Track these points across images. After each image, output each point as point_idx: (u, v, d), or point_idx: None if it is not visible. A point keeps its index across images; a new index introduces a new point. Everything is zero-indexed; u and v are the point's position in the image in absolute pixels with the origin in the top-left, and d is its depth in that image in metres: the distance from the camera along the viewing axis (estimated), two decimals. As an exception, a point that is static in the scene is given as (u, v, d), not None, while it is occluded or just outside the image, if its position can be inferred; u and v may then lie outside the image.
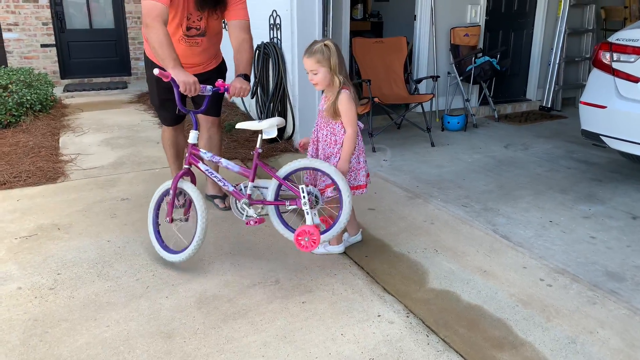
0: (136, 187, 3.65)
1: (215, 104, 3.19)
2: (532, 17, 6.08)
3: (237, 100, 5.84)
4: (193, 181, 2.57)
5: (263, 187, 2.47)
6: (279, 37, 4.59)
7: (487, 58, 5.31)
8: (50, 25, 7.62)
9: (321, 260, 2.62)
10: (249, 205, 2.43)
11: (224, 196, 3.34)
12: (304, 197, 2.29)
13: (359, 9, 7.36)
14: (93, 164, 4.20)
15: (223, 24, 3.08)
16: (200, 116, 3.19)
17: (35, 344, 1.99)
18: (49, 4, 7.52)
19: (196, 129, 2.56)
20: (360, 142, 2.53)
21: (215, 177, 2.55)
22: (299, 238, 2.29)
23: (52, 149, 4.53)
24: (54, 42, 7.70)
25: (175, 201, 2.64)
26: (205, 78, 3.03)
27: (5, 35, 7.34)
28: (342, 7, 4.85)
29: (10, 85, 5.32)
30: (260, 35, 4.89)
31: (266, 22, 4.74)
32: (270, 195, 2.41)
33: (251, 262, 2.61)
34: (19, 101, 5.23)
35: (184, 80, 2.48)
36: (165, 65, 2.54)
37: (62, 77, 7.86)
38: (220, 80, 2.70)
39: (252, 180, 2.43)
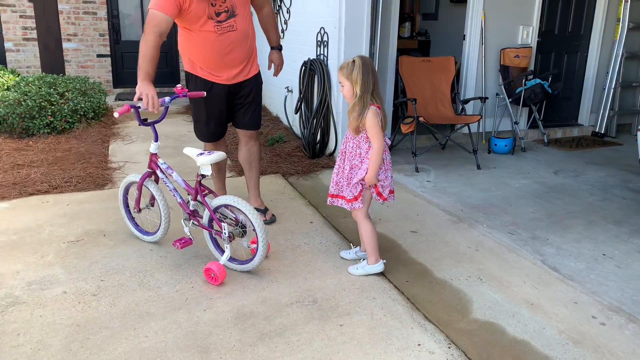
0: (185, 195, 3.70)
1: (253, 116, 3.23)
2: (587, 40, 5.88)
3: (281, 115, 5.89)
4: (156, 180, 2.94)
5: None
6: (325, 54, 4.60)
7: (538, 80, 5.16)
8: (107, 37, 7.93)
9: (360, 282, 2.57)
10: (188, 219, 2.75)
11: (264, 210, 3.36)
12: (224, 233, 2.57)
13: (406, 27, 7.33)
14: (139, 171, 4.29)
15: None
16: (239, 130, 3.30)
17: (77, 350, 2.02)
18: (106, 16, 7.85)
19: (156, 141, 2.86)
20: (387, 156, 2.56)
21: (168, 185, 2.84)
22: (207, 271, 2.56)
23: (102, 156, 4.67)
24: (109, 53, 8.01)
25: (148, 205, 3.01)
26: (246, 88, 3.16)
27: (65, 44, 7.68)
28: (389, 25, 4.83)
29: (66, 93, 5.54)
30: (307, 52, 4.93)
31: (313, 39, 4.77)
32: (204, 219, 2.70)
33: (289, 279, 2.59)
34: (73, 108, 5.44)
35: (147, 92, 2.67)
36: (138, 75, 2.73)
37: (115, 86, 8.15)
38: (179, 86, 2.87)
39: (194, 199, 2.72)
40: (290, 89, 5.50)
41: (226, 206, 2.66)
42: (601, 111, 5.72)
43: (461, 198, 3.78)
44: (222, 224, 2.59)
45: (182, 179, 2.84)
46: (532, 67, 5.52)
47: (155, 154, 2.90)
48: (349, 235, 3.08)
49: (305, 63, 4.85)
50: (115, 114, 2.61)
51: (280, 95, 5.79)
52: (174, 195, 2.83)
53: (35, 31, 7.44)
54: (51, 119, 5.21)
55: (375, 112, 2.41)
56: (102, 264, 2.71)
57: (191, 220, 2.79)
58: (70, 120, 5.37)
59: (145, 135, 5.52)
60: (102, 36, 7.90)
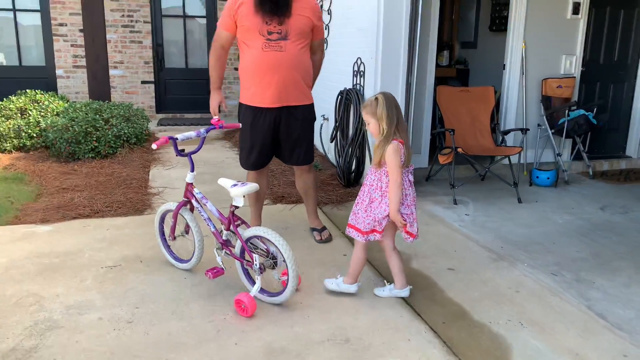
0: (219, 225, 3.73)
1: (302, 153, 3.33)
2: (635, 69, 5.70)
3: (317, 142, 5.91)
4: (191, 209, 2.99)
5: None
6: (362, 84, 4.61)
7: (582, 111, 5.02)
8: (151, 64, 8.22)
9: (394, 321, 2.50)
10: (220, 249, 2.78)
11: (321, 229, 3.50)
12: (255, 265, 2.56)
13: (444, 56, 7.29)
14: (177, 197, 4.36)
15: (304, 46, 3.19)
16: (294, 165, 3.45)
17: (109, 381, 2.03)
18: (151, 45, 8.15)
19: (192, 171, 2.91)
20: (411, 191, 2.61)
21: (202, 214, 2.89)
22: (238, 302, 2.56)
23: (142, 181, 4.78)
24: (153, 80, 8.29)
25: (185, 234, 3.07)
26: (292, 118, 3.23)
27: (111, 72, 7.99)
28: (427, 54, 4.82)
29: (111, 119, 5.74)
30: (344, 81, 4.96)
31: (350, 68, 4.79)
32: (236, 249, 2.71)
33: (321, 315, 2.54)
34: (117, 134, 5.62)
35: (211, 101, 3.32)
36: (211, 85, 3.33)
37: (157, 111, 8.40)
38: (215, 118, 2.99)
39: (227, 229, 2.75)
40: (326, 117, 5.52)
41: (258, 237, 2.66)
42: (650, 144, 5.49)
43: (501, 234, 3.66)
44: (254, 255, 2.59)
45: (216, 208, 2.86)
46: (575, 98, 5.37)
47: (191, 183, 2.94)
48: (384, 271, 3.02)
49: (341, 92, 4.87)
50: (153, 146, 2.68)
51: (316, 123, 5.82)
52: (207, 224, 2.86)
53: (84, 59, 7.77)
54: (96, 144, 5.39)
55: (397, 147, 2.46)
56: (138, 291, 2.74)
57: (224, 250, 2.80)
58: (113, 145, 5.55)
59: (184, 161, 5.63)
60: (147, 64, 8.19)
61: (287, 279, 2.55)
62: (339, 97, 4.92)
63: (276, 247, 2.54)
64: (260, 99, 3.14)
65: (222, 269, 2.76)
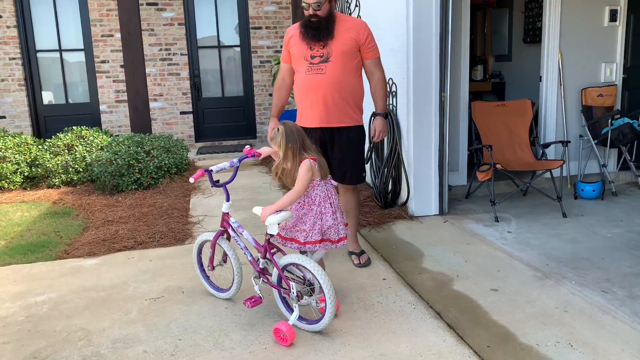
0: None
1: (349, 172, 3.37)
2: (680, 73, 5.46)
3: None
4: (228, 238, 3.03)
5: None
6: (394, 104, 4.61)
7: (627, 120, 4.83)
8: (189, 95, 8.47)
9: (437, 347, 2.44)
10: (258, 277, 2.81)
11: (359, 253, 3.49)
12: (292, 292, 2.59)
13: (479, 70, 7.20)
14: (217, 226, 4.43)
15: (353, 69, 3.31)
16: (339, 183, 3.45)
17: (154, 414, 2.06)
18: (189, 76, 8.41)
19: (228, 201, 2.96)
20: (334, 201, 2.76)
21: (239, 243, 2.91)
22: (276, 331, 2.56)
23: (183, 210, 4.90)
24: (191, 110, 8.53)
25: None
26: (337, 139, 3.32)
27: (151, 104, 8.29)
28: (460, 70, 4.78)
29: (152, 151, 5.93)
30: (378, 102, 4.95)
31: (384, 89, 4.79)
32: (274, 277, 2.73)
33: (362, 342, 2.51)
34: (158, 165, 5.79)
35: (269, 129, 3.40)
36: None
37: (196, 140, 8.62)
38: (247, 147, 2.99)
39: (264, 257, 2.78)
40: (361, 138, 5.52)
41: (294, 264, 2.68)
42: (703, 149, 5.22)
43: (546, 250, 3.54)
44: (290, 282, 2.60)
45: (252, 237, 2.89)
46: (618, 106, 5.19)
47: (227, 213, 2.99)
48: (425, 295, 2.97)
49: (374, 113, 4.86)
50: (191, 180, 2.78)
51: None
52: (244, 253, 2.89)
53: (125, 94, 8.10)
54: (138, 176, 5.57)
55: (309, 164, 2.64)
56: (180, 322, 2.79)
57: (261, 278, 2.83)
58: (155, 176, 5.72)
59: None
60: (185, 95, 8.45)
61: (325, 306, 2.54)
62: (372, 117, 4.92)
63: (312, 274, 2.55)
64: (305, 119, 3.31)
65: (260, 297, 2.78)
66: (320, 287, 2.53)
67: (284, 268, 2.70)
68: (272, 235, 2.74)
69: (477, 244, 3.74)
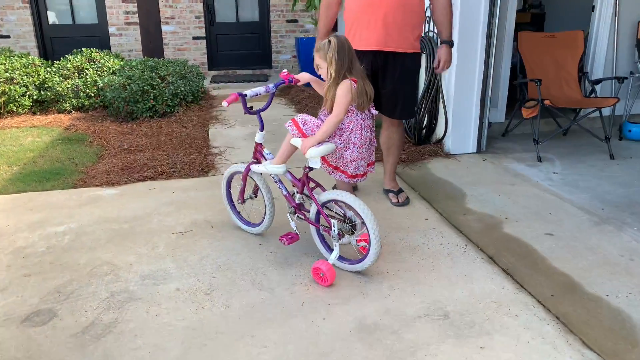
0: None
1: (399, 105, 3.06)
2: None
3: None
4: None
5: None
6: (435, 30, 4.20)
7: (684, 56, 4.44)
8: (202, 19, 7.97)
9: (496, 295, 2.24)
10: (294, 213, 2.58)
11: (397, 191, 3.27)
12: (333, 230, 2.38)
13: (516, -1, 6.67)
14: (240, 157, 4.19)
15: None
16: (383, 116, 3.17)
17: (195, 357, 1.90)
18: (202, -2, 7.87)
19: (262, 130, 2.67)
20: (365, 130, 2.49)
21: (273, 177, 2.70)
22: (315, 271, 2.38)
23: (203, 141, 4.63)
24: (204, 35, 8.06)
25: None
26: (390, 65, 2.96)
27: (163, 28, 7.82)
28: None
29: (167, 77, 5.58)
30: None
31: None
32: (311, 213, 2.52)
33: (412, 287, 2.32)
34: (174, 92, 5.46)
35: None
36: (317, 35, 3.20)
37: (210, 68, 8.22)
38: (285, 71, 2.64)
39: (301, 192, 2.55)
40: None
41: (335, 201, 2.45)
42: None
43: (598, 194, 3.30)
44: (332, 220, 2.38)
45: (288, 170, 2.65)
46: (675, 41, 4.77)
47: (261, 143, 2.73)
48: (474, 237, 2.75)
49: (438, 41, 4.45)
50: (224, 104, 2.49)
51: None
52: (279, 187, 2.67)
53: (136, 15, 7.62)
54: (153, 103, 5.27)
55: (349, 85, 2.39)
56: (212, 259, 2.60)
57: (297, 214, 2.61)
58: (170, 104, 5.41)
59: (243, 119, 5.44)
60: (198, 18, 7.95)
61: (369, 245, 2.34)
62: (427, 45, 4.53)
63: (355, 211, 2.32)
64: (359, 40, 2.91)
65: (297, 234, 2.57)
66: (364, 224, 2.31)
67: (324, 205, 2.47)
68: (311, 169, 2.50)
69: (521, 184, 3.49)
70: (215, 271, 2.48)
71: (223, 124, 5.31)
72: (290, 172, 2.64)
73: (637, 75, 4.72)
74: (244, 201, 2.87)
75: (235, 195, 2.92)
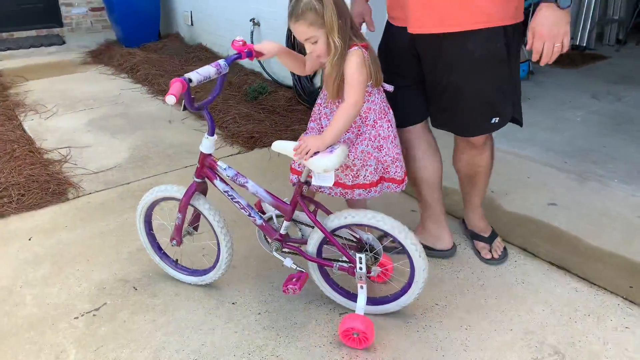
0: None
1: (468, 113, 1.77)
2: None
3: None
4: (204, 192, 1.84)
5: (305, 225, 1.77)
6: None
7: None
8: (-55, -38, 5.65)
9: (580, 303, 1.81)
10: (281, 249, 1.77)
11: (489, 238, 2.08)
12: (360, 267, 1.65)
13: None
14: (102, 162, 2.97)
15: None
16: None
17: None
18: None
19: (212, 135, 1.73)
20: (391, 114, 1.74)
21: (236, 202, 1.78)
22: (347, 332, 1.63)
23: (26, 144, 3.18)
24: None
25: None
26: (435, 51, 1.72)
27: None
28: None
29: None
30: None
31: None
32: (311, 246, 1.73)
33: (482, 319, 1.75)
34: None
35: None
36: None
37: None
38: (239, 40, 1.67)
39: (289, 219, 1.73)
40: (256, 21, 4.25)
41: (352, 226, 1.70)
42: None
43: (541, 144, 3.12)
44: (357, 255, 1.65)
45: (265, 189, 1.76)
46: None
47: (210, 154, 1.77)
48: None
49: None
50: (171, 99, 1.45)
51: (241, 30, 4.50)
52: (249, 215, 1.78)
53: None
54: None
55: (361, 55, 1.58)
56: (173, 352, 1.62)
57: (285, 249, 1.80)
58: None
59: (65, 102, 3.97)
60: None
61: (411, 275, 1.68)
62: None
63: (390, 233, 1.63)
64: (391, 17, 1.87)
65: (302, 271, 1.76)
66: (405, 250, 1.64)
67: (334, 232, 1.70)
68: (320, 189, 1.71)
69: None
70: (197, 373, 1.53)
71: (38, 111, 3.79)
72: (269, 193, 1.76)
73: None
74: (180, 242, 1.89)
75: (162, 234, 1.91)
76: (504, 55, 1.67)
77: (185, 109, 1.63)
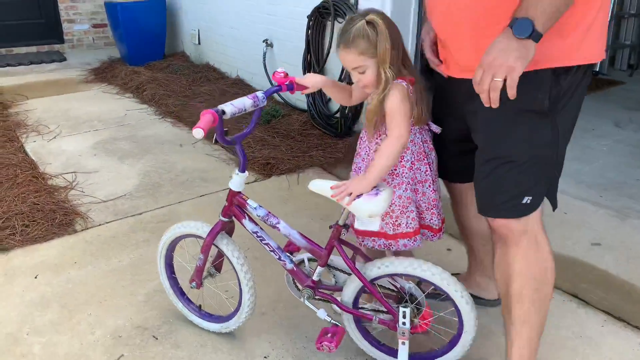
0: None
1: (496, 185, 1.38)
2: None
3: (256, 77, 4.48)
4: (230, 233, 1.70)
5: (339, 271, 1.63)
6: (347, -8, 3.35)
7: None
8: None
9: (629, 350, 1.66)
10: (313, 296, 1.60)
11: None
12: (403, 322, 1.49)
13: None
14: (110, 189, 2.80)
15: None
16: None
17: None
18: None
19: (243, 171, 1.59)
20: (426, 170, 1.56)
21: (266, 244, 1.63)
22: None
23: (29, 168, 3.01)
24: None
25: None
26: (470, 105, 1.37)
27: None
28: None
29: None
30: None
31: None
32: (347, 296, 1.57)
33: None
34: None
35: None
36: None
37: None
38: (281, 71, 1.57)
39: (324, 265, 1.57)
40: (269, 42, 4.12)
41: (395, 276, 1.54)
42: None
43: (568, 172, 3.00)
44: (401, 308, 1.49)
45: (299, 232, 1.60)
46: None
47: (240, 192, 1.61)
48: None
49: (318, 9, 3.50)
50: (199, 133, 1.30)
51: (252, 50, 4.37)
52: (278, 258, 1.62)
53: None
54: None
55: (404, 89, 1.43)
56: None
57: (317, 297, 1.63)
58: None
59: (68, 122, 3.80)
60: (-62, -25, 5.46)
61: (460, 324, 1.52)
62: (315, 15, 3.59)
63: (446, 292, 1.47)
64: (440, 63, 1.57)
65: (337, 324, 1.59)
66: (458, 312, 1.49)
67: (373, 282, 1.54)
68: (347, 229, 1.55)
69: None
70: None
71: (40, 132, 3.62)
72: (303, 235, 1.60)
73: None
74: (201, 284, 1.72)
75: (183, 275, 1.74)
76: (545, 108, 1.29)
77: (216, 142, 1.48)
